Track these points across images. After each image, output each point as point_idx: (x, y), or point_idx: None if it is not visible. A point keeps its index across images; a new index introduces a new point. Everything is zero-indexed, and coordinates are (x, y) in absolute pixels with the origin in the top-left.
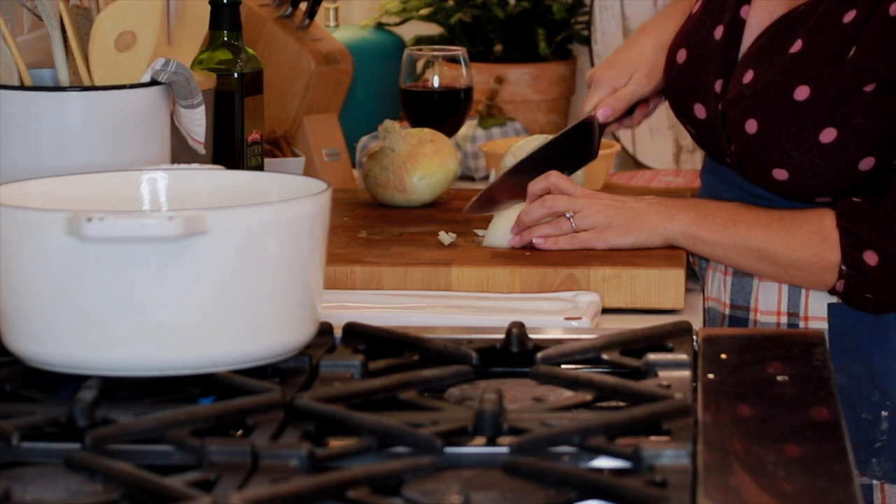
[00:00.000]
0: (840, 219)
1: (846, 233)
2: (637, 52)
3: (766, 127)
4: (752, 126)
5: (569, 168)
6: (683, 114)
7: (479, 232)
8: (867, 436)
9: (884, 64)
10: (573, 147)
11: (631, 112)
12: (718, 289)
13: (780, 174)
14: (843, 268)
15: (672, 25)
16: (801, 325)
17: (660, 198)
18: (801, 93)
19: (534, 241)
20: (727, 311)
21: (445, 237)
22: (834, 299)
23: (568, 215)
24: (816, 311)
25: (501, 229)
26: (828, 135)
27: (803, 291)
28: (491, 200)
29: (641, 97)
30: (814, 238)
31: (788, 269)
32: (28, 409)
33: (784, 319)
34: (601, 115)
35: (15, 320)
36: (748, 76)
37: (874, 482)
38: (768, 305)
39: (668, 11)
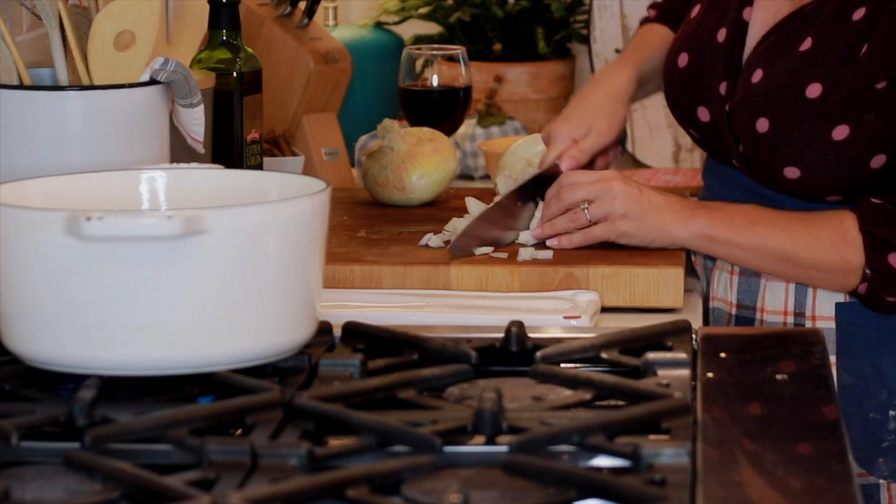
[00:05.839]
0: (862, 222)
1: (869, 236)
2: (592, 106)
3: (778, 125)
4: (763, 125)
5: (530, 218)
6: (685, 117)
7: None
8: (874, 435)
9: (895, 62)
10: (537, 195)
11: (591, 166)
12: (725, 289)
13: (792, 172)
14: (868, 271)
15: (624, 77)
16: (809, 324)
17: (678, 196)
18: (814, 90)
19: (547, 242)
20: (733, 311)
21: (433, 240)
22: (841, 298)
23: (583, 206)
24: (824, 310)
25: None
26: (840, 132)
27: (810, 291)
28: (472, 238)
29: (603, 147)
30: (836, 241)
31: (809, 270)
32: (27, 408)
33: (791, 319)
34: (565, 167)
35: (14, 320)
36: (757, 76)
37: (881, 481)
38: (775, 305)
39: (620, 61)
